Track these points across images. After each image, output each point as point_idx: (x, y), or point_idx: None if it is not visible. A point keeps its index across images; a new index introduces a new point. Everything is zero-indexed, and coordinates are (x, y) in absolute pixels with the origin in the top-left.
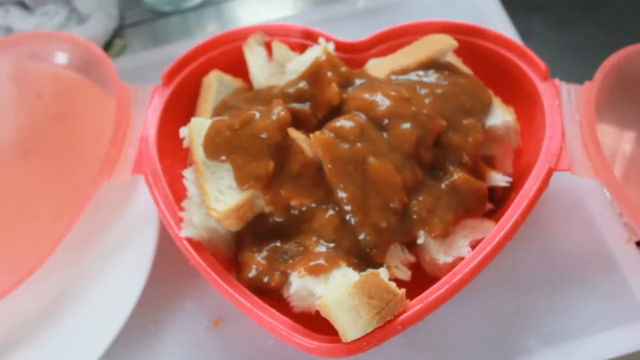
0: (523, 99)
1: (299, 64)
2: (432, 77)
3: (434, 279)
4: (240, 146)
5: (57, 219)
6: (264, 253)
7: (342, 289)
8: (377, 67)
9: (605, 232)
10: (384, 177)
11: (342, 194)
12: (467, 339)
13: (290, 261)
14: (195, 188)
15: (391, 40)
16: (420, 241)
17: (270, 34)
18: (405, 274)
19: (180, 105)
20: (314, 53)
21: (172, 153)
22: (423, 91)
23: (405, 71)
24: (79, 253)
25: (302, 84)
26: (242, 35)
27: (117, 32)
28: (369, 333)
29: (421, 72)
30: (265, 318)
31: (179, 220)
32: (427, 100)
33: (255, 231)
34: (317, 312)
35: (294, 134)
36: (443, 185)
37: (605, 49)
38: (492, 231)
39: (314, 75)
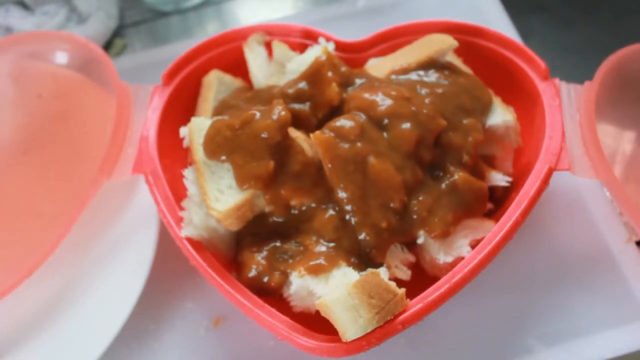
0: (523, 99)
1: (299, 64)
2: (432, 76)
3: (434, 279)
4: (240, 146)
5: (57, 219)
6: (264, 253)
7: (342, 288)
8: (377, 66)
9: (605, 231)
10: (384, 176)
11: (342, 194)
12: (467, 339)
13: (290, 261)
14: (195, 188)
15: (391, 40)
16: (420, 241)
17: (271, 34)
18: (405, 274)
19: (180, 105)
20: (314, 53)
21: (172, 153)
22: (423, 91)
23: (405, 71)
24: (79, 253)
25: (302, 84)
26: (242, 35)
27: (117, 32)
28: (369, 333)
29: (421, 72)
30: (265, 318)
31: (179, 220)
32: (427, 100)
33: (255, 231)
34: (317, 312)
35: (294, 133)
36: (443, 185)
37: (605, 49)
38: (492, 231)
39: (314, 75)
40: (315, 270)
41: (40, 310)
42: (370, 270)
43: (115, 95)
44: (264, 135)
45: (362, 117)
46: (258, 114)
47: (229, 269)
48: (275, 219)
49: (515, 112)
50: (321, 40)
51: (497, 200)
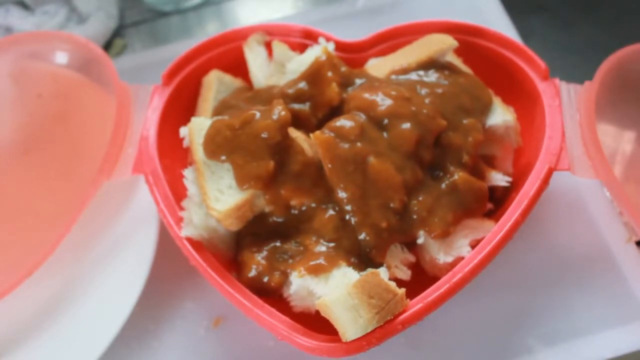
0: (523, 99)
1: (299, 64)
2: (432, 76)
3: (434, 279)
4: (240, 146)
5: (57, 219)
6: (264, 253)
7: (342, 288)
8: (377, 66)
9: (605, 231)
10: (384, 176)
11: (342, 194)
12: (467, 339)
13: (290, 261)
14: (195, 188)
15: (391, 40)
16: (420, 241)
17: (271, 34)
18: (405, 274)
19: (180, 105)
20: (314, 53)
21: (172, 153)
22: (423, 91)
23: (405, 71)
24: (79, 253)
25: (302, 84)
26: (242, 35)
27: (117, 32)
28: (369, 333)
29: (421, 72)
30: (265, 318)
31: (179, 220)
32: (427, 100)
33: (255, 231)
34: (317, 312)
35: (294, 133)
36: (443, 185)
37: (605, 49)
38: (492, 231)
39: (314, 75)
40: (315, 270)
41: (40, 310)
42: (370, 270)
43: (115, 95)
44: (264, 135)
45: (362, 117)
46: (258, 114)
47: (229, 269)
48: (275, 219)
49: (515, 112)
50: (321, 40)
51: (497, 200)
